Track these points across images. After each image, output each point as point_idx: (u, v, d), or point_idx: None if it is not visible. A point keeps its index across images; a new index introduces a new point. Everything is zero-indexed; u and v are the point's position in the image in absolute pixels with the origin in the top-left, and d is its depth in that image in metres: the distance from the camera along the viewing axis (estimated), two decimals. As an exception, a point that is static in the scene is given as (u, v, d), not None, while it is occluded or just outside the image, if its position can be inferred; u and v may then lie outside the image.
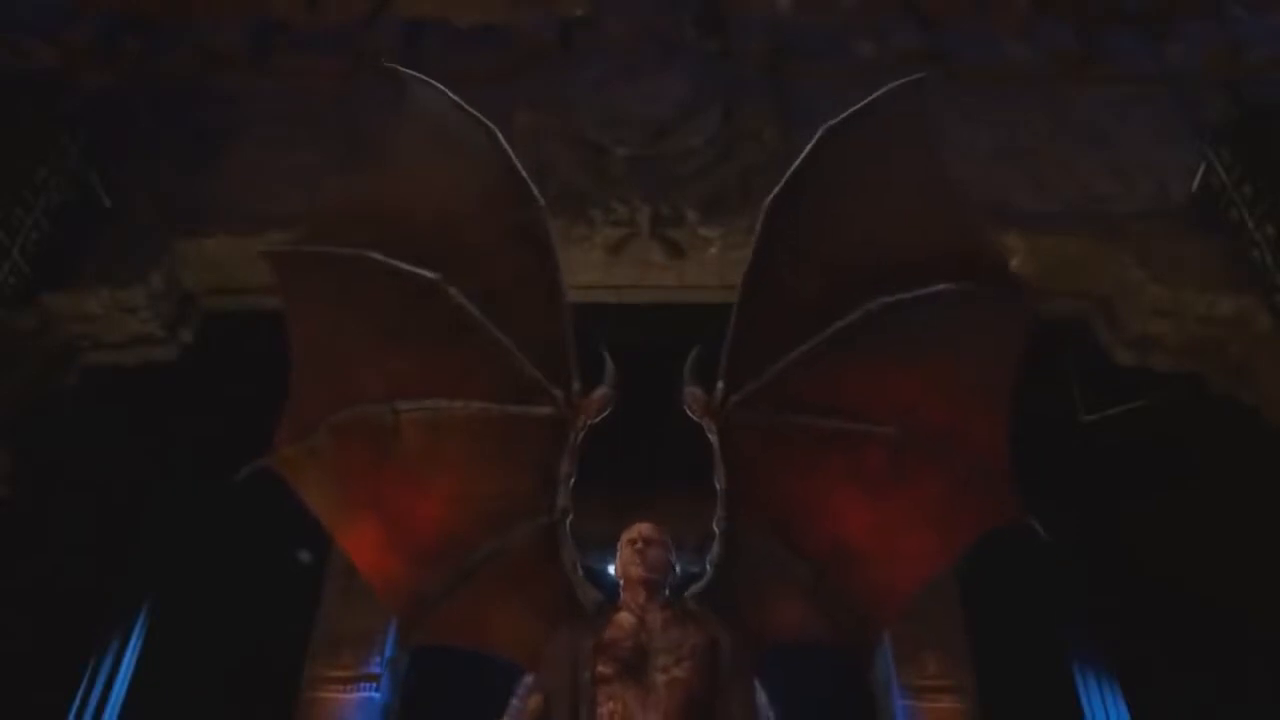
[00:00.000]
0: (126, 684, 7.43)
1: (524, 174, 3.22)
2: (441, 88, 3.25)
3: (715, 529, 3.28)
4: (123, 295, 6.50)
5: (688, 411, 3.31)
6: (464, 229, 3.28)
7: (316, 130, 6.90)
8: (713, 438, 3.29)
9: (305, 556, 7.97)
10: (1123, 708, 7.74)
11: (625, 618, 3.02)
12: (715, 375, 3.30)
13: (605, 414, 3.32)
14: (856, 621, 3.48)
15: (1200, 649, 6.84)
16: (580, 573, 3.28)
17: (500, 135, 3.21)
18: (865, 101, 3.14)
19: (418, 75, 3.33)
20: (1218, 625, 6.76)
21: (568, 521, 3.29)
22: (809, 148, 3.15)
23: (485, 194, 3.27)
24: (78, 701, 7.18)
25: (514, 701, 3.33)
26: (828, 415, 3.37)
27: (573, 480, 3.31)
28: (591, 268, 6.64)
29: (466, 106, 3.22)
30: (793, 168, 3.15)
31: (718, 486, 3.28)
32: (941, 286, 3.16)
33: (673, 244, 6.56)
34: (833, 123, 3.13)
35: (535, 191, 3.21)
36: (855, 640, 3.54)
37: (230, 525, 7.32)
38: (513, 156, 3.21)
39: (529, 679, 3.32)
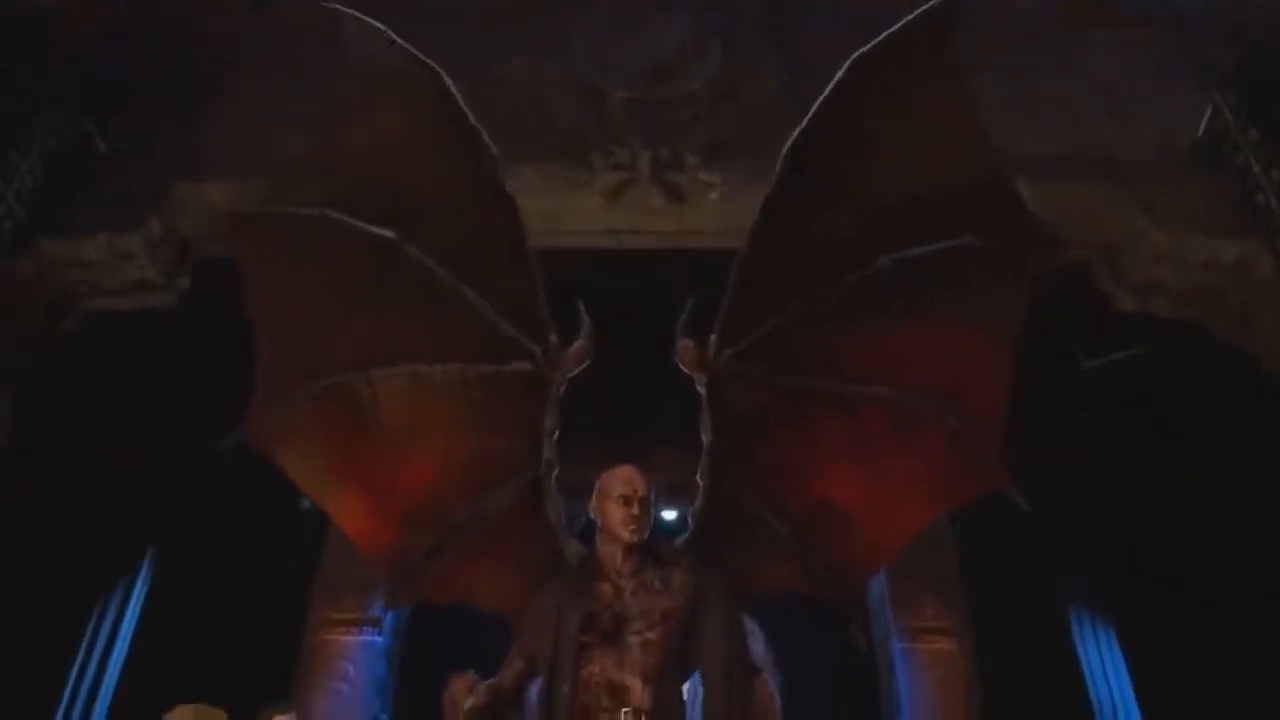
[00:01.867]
0: (132, 629, 7.52)
1: (474, 122, 3.08)
2: (381, 27, 3.06)
3: (699, 482, 3.28)
4: (120, 242, 6.48)
5: (679, 363, 3.27)
6: (420, 184, 3.19)
7: (316, 75, 6.82)
8: (701, 391, 3.26)
9: (308, 502, 8.00)
10: (1117, 652, 7.84)
11: (604, 589, 3.02)
12: (711, 328, 3.26)
13: (584, 367, 3.28)
14: (836, 576, 3.48)
15: (1197, 596, 6.90)
16: (565, 526, 3.27)
17: (448, 80, 3.05)
18: (898, 25, 2.97)
19: (356, 15, 3.12)
20: (1215, 572, 6.81)
21: (553, 476, 3.28)
22: (836, 80, 2.99)
23: (437, 145, 3.15)
24: (84, 648, 7.27)
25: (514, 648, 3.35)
26: (824, 376, 3.31)
27: (557, 434, 3.28)
28: (590, 213, 6.60)
29: (410, 48, 3.04)
30: (817, 103, 3.01)
31: (703, 439, 3.27)
32: (962, 240, 3.08)
33: (673, 189, 6.51)
34: (863, 50, 2.96)
35: (487, 140, 3.08)
36: (834, 594, 3.54)
37: (233, 472, 7.34)
38: (461, 102, 3.06)
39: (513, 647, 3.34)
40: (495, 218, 3.15)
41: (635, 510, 3.04)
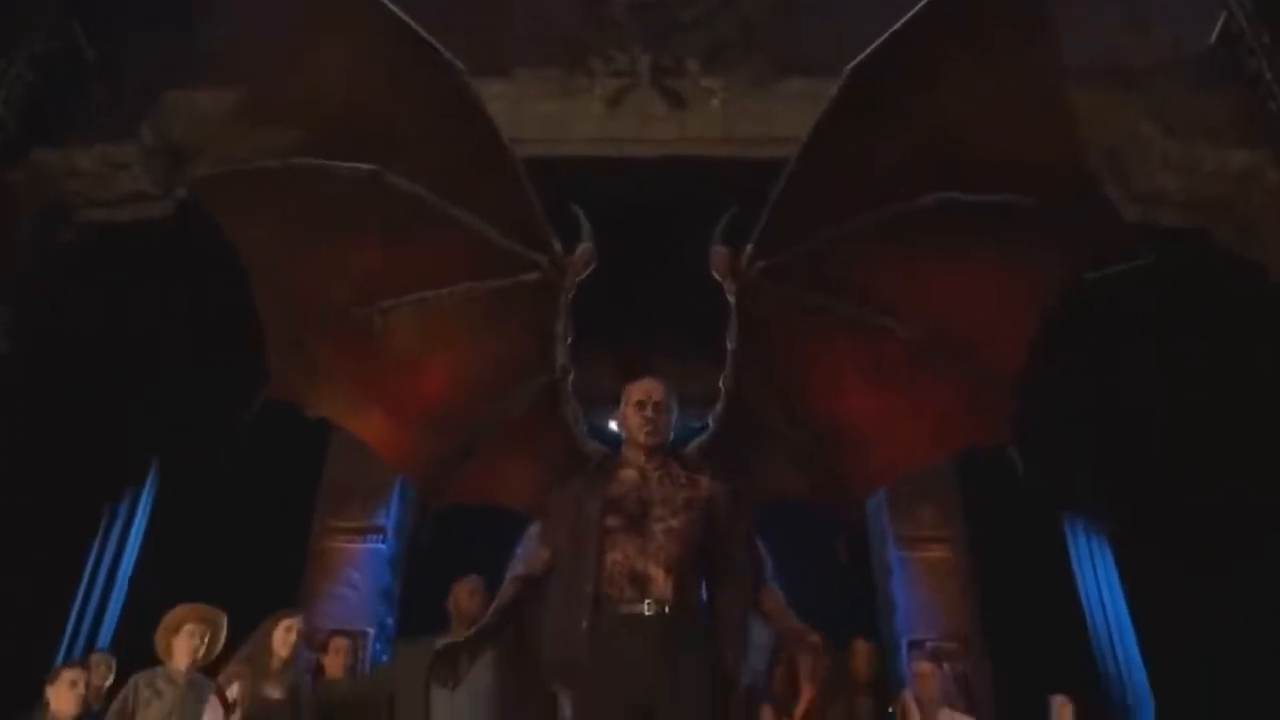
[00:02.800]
0: (140, 538, 7.62)
1: (424, 35, 2.94)
2: None
3: (721, 386, 3.29)
4: (113, 151, 6.40)
5: (712, 269, 3.26)
6: (385, 115, 3.09)
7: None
8: (731, 299, 3.26)
9: (311, 412, 8.03)
10: (1110, 561, 7.95)
11: (629, 474, 3.06)
12: (746, 238, 3.22)
13: (592, 268, 3.28)
14: (841, 490, 3.53)
15: (1193, 510, 6.95)
16: (583, 427, 3.31)
17: (388, 2, 2.91)
18: None
19: None
20: (1212, 484, 6.85)
21: (569, 380, 3.30)
22: (917, 9, 2.85)
23: (393, 71, 3.03)
24: (92, 558, 7.37)
25: (519, 550, 3.41)
26: (850, 301, 3.28)
27: (570, 339, 3.30)
28: (590, 120, 6.50)
29: None
30: (893, 29, 2.88)
31: (728, 346, 3.27)
32: (1021, 199, 2.99)
33: (674, 95, 6.41)
34: None
35: (447, 56, 2.95)
36: (837, 506, 3.59)
37: (235, 381, 7.36)
38: (409, 22, 2.93)
39: (532, 528, 3.39)
40: (472, 133, 3.06)
41: (649, 413, 3.08)
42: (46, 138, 6.32)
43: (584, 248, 3.25)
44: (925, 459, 3.67)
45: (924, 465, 3.71)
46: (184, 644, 4.45)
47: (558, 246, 3.19)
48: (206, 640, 4.52)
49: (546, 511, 3.21)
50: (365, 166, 3.06)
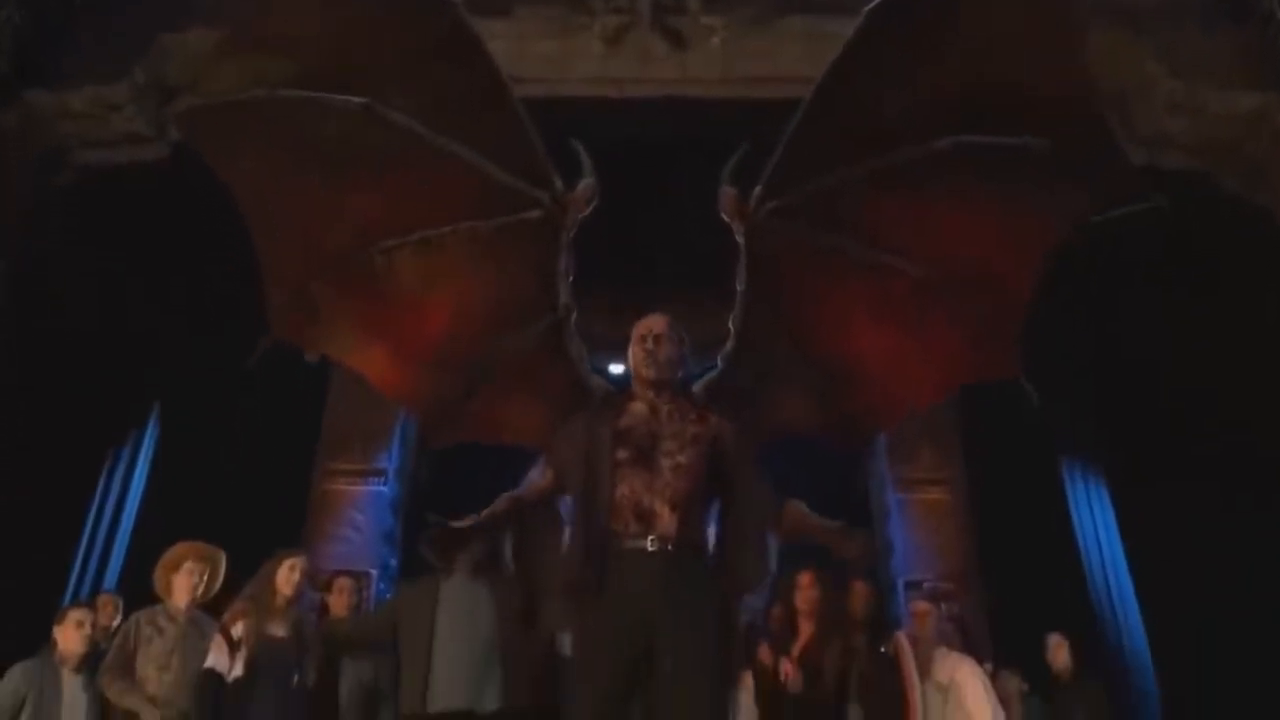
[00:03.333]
0: (144, 481, 7.66)
1: None
2: None
3: (730, 327, 3.28)
4: (106, 92, 6.33)
5: (720, 210, 3.24)
6: (380, 47, 3.02)
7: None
8: (739, 239, 3.23)
9: (311, 356, 8.03)
10: (1107, 504, 8.01)
11: (639, 406, 3.05)
12: (753, 178, 3.20)
13: (594, 205, 3.25)
14: (850, 426, 3.55)
15: (1191, 454, 6.98)
16: (588, 365, 3.31)
17: None
18: None
19: None
20: (1212, 431, 6.88)
21: (572, 318, 3.29)
22: None
23: (389, 3, 2.97)
24: (96, 501, 7.43)
25: (531, 473, 3.42)
26: (862, 242, 3.26)
27: (572, 277, 3.28)
28: (590, 59, 6.42)
29: None
30: None
31: (737, 287, 3.26)
32: (1033, 141, 2.96)
33: (674, 34, 6.33)
34: None
35: None
36: (848, 441, 3.62)
37: (235, 324, 7.36)
38: None
39: (540, 461, 3.41)
40: (470, 69, 3.00)
41: (649, 345, 3.08)
42: (38, 80, 6.24)
43: (585, 183, 3.21)
44: (934, 395, 3.69)
45: (933, 401, 3.73)
46: (183, 582, 4.50)
47: (559, 183, 3.15)
48: (205, 578, 4.57)
49: (556, 438, 3.20)
50: (357, 100, 2.99)
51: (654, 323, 3.15)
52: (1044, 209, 3.19)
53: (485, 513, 3.15)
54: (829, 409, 3.48)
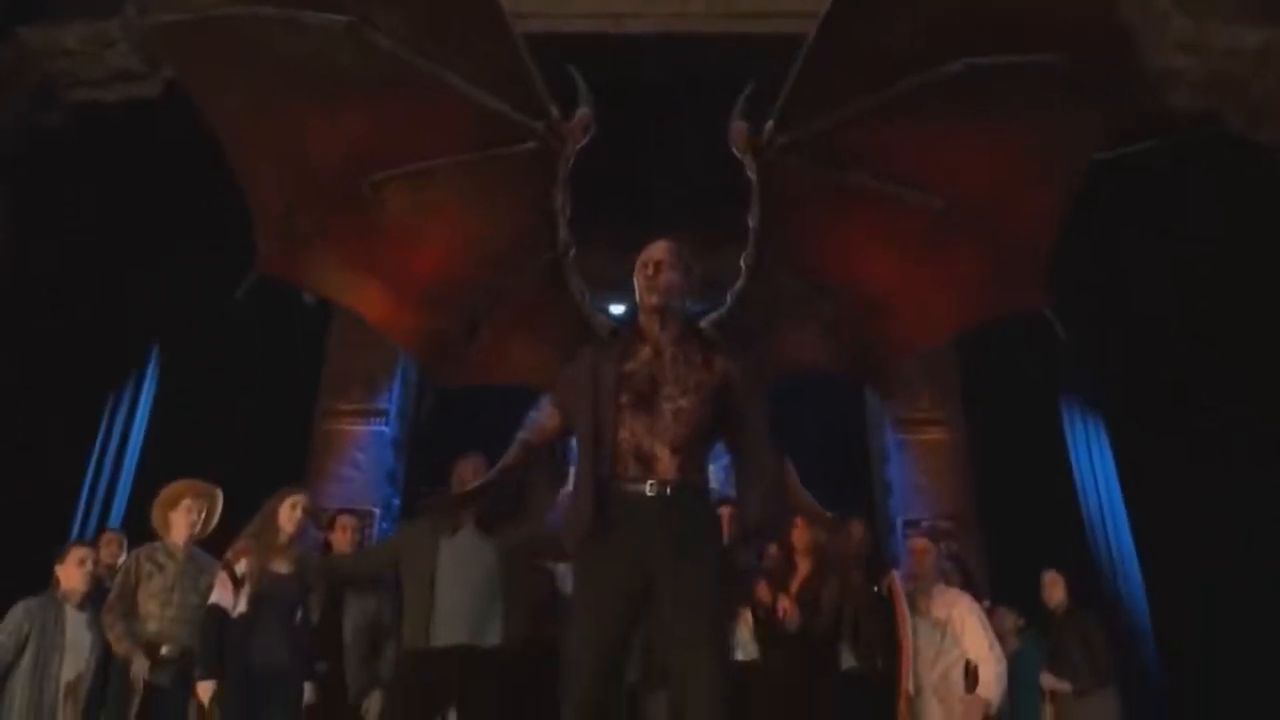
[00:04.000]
0: (145, 422, 7.68)
1: None
2: None
3: (742, 264, 3.25)
4: (99, 29, 6.23)
5: (731, 145, 3.18)
6: None
7: None
8: (752, 175, 3.18)
9: (309, 297, 8.01)
10: (1106, 446, 8.04)
11: (644, 349, 3.01)
12: (763, 114, 3.13)
13: (591, 134, 3.18)
14: (865, 359, 3.53)
15: (1190, 394, 6.99)
16: (589, 302, 3.27)
17: None
18: None
19: None
20: (1211, 369, 6.88)
21: (571, 255, 3.25)
22: None
23: None
24: (99, 444, 7.45)
25: (531, 413, 3.43)
26: (877, 175, 3.19)
27: (569, 212, 3.23)
28: (589, -7, 6.32)
29: None
30: None
31: (750, 224, 3.21)
32: (1048, 58, 2.85)
33: (675, -33, 6.20)
34: None
35: None
36: (861, 375, 3.60)
37: (233, 262, 7.33)
38: None
39: (544, 400, 3.40)
40: None
41: (649, 272, 3.00)
42: (31, 16, 6.16)
43: (582, 112, 3.11)
44: (954, 328, 3.66)
45: (951, 335, 3.68)
46: (181, 519, 4.53)
47: (555, 112, 3.05)
48: (203, 515, 4.61)
49: (560, 377, 3.17)
50: (341, 18, 2.85)
51: (655, 250, 3.07)
52: (1063, 134, 3.12)
53: (498, 467, 3.16)
54: (843, 345, 3.46)
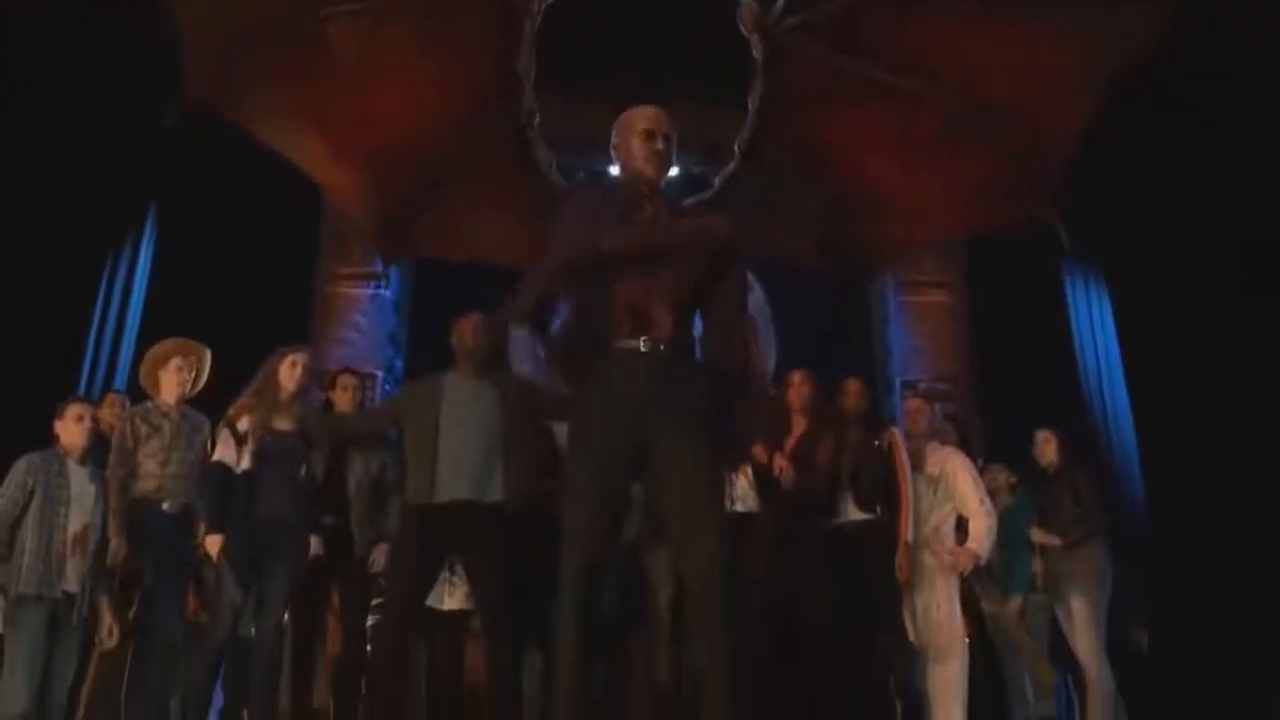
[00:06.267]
0: (145, 284, 7.66)
1: None
2: None
3: (735, 148, 3.14)
4: None
5: (739, 24, 3.02)
6: None
7: None
8: (757, 56, 3.04)
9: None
10: (1107, 308, 8.03)
11: (644, 205, 2.89)
12: None
13: None
14: (855, 259, 3.44)
15: (1189, 250, 6.93)
16: (555, 172, 3.15)
17: None
18: None
19: None
20: (1210, 227, 6.80)
21: (535, 124, 3.11)
22: None
23: None
24: (99, 306, 7.45)
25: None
26: (889, 68, 3.04)
27: (534, 75, 3.07)
28: None
29: None
30: None
31: (749, 105, 3.10)
32: None
33: None
34: None
35: None
36: (848, 275, 3.50)
37: (229, 126, 7.20)
38: None
39: (534, 269, 3.33)
40: None
41: (659, 145, 2.86)
42: None
43: None
44: (951, 236, 3.55)
45: (952, 238, 3.57)
46: (172, 378, 4.55)
47: None
48: (193, 374, 4.63)
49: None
50: None
51: (662, 119, 2.89)
52: (1103, 30, 2.96)
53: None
54: (831, 242, 3.37)
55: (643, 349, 2.76)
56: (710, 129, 3.29)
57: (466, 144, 3.14)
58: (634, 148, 2.89)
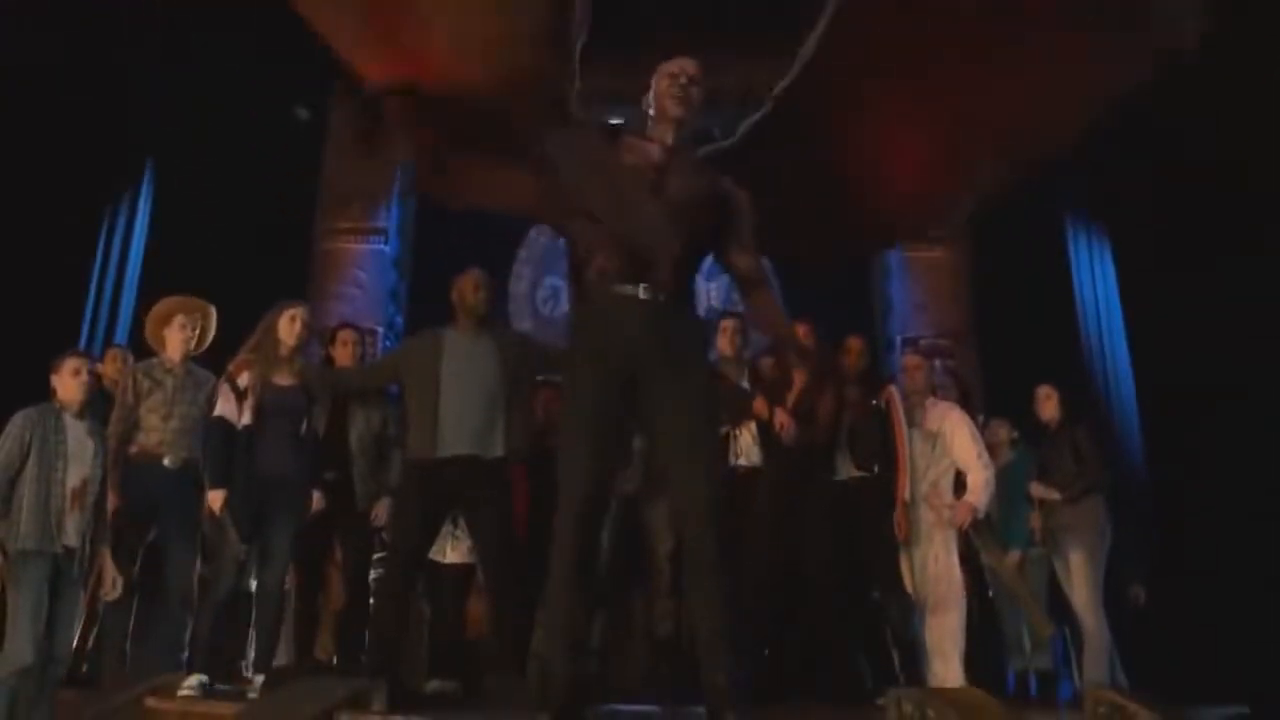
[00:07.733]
0: (144, 239, 7.63)
1: None
2: None
3: (770, 95, 3.10)
4: None
5: None
6: None
7: None
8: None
9: (304, 114, 7.86)
10: (1109, 264, 7.99)
11: (652, 148, 2.89)
12: None
13: None
14: (854, 241, 3.40)
15: (1190, 206, 6.88)
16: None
17: None
18: None
19: None
20: (1211, 183, 6.75)
21: (576, 88, 3.08)
22: None
23: None
24: (99, 257, 7.43)
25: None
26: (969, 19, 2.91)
27: (582, 41, 3.05)
28: None
29: None
30: None
31: (801, 53, 3.03)
32: None
33: None
34: None
35: None
36: (850, 260, 3.48)
37: (226, 81, 7.16)
38: None
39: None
40: None
41: (684, 81, 2.90)
42: None
43: None
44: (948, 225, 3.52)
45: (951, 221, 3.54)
46: (176, 335, 4.55)
47: None
48: (198, 331, 4.63)
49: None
50: None
51: (687, 64, 2.95)
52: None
53: None
54: (832, 218, 3.32)
55: (642, 295, 2.75)
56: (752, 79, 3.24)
57: (509, 101, 3.10)
58: (661, 88, 2.94)
